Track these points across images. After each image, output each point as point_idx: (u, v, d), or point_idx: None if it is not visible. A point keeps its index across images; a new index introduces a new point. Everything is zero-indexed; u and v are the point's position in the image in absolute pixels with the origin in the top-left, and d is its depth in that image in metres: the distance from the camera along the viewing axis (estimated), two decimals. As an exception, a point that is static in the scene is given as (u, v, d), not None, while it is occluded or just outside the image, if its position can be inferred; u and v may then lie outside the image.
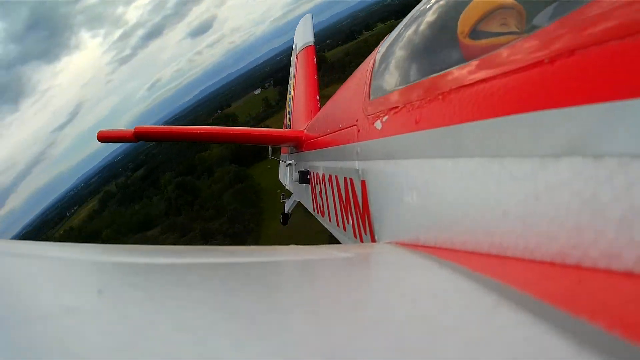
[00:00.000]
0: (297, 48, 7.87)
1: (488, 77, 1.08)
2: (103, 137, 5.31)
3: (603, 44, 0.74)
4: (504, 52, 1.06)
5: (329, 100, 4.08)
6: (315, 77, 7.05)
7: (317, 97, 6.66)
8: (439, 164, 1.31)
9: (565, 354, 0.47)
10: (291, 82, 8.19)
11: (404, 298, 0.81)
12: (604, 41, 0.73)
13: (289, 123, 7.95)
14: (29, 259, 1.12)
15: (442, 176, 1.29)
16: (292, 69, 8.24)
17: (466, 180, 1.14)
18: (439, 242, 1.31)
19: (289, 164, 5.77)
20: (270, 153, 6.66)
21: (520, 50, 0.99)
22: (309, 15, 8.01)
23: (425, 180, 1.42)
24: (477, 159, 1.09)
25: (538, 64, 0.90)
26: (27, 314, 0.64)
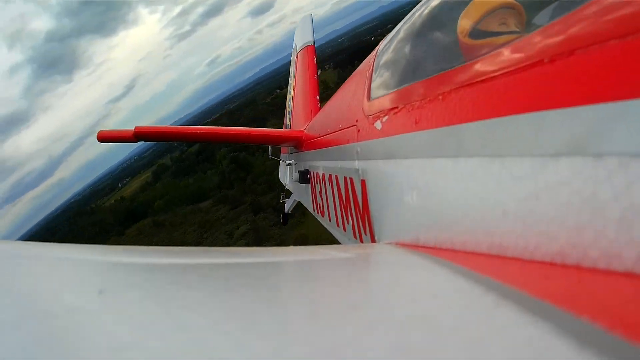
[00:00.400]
0: (297, 48, 7.87)
1: (488, 77, 1.08)
2: (103, 137, 5.31)
3: (603, 44, 0.74)
4: (503, 52, 1.06)
5: (329, 101, 4.08)
6: (315, 77, 7.04)
7: (317, 97, 6.66)
8: (439, 163, 1.31)
9: (566, 354, 0.47)
10: (291, 82, 8.19)
11: (404, 298, 0.81)
12: (604, 41, 0.73)
13: (288, 123, 7.95)
14: (30, 259, 1.12)
15: (442, 176, 1.29)
16: (292, 69, 8.24)
17: (466, 180, 1.14)
18: (439, 242, 1.31)
19: (289, 163, 5.77)
20: (270, 153, 6.66)
21: (520, 50, 0.99)
22: (308, 15, 8.01)
23: (425, 180, 1.42)
24: (477, 158, 1.09)
25: (538, 63, 0.90)
26: (29, 314, 0.64)
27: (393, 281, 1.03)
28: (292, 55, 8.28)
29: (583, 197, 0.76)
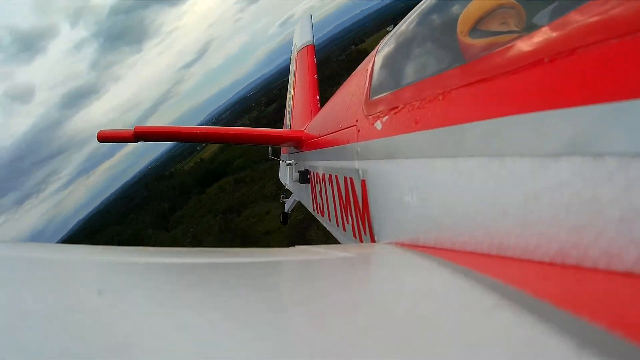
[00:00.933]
0: (297, 48, 7.88)
1: (488, 77, 1.08)
2: (103, 137, 5.32)
3: (603, 44, 0.74)
4: (503, 52, 1.06)
5: (329, 101, 4.08)
6: (315, 76, 7.04)
7: (317, 97, 6.66)
8: (439, 163, 1.31)
9: (566, 354, 0.47)
10: (291, 81, 8.19)
11: (404, 298, 0.81)
12: (604, 40, 0.73)
13: (288, 123, 7.95)
14: (29, 260, 1.12)
15: (442, 176, 1.29)
16: (291, 69, 8.24)
17: (466, 180, 1.14)
18: (438, 242, 1.31)
19: (289, 163, 5.77)
20: (270, 153, 6.65)
21: (520, 50, 0.99)
22: (308, 15, 8.02)
23: (425, 180, 1.42)
24: (477, 158, 1.09)
25: (538, 63, 0.90)
26: (29, 314, 0.64)
27: (393, 281, 1.03)
28: (292, 55, 8.28)
29: (583, 197, 0.76)
